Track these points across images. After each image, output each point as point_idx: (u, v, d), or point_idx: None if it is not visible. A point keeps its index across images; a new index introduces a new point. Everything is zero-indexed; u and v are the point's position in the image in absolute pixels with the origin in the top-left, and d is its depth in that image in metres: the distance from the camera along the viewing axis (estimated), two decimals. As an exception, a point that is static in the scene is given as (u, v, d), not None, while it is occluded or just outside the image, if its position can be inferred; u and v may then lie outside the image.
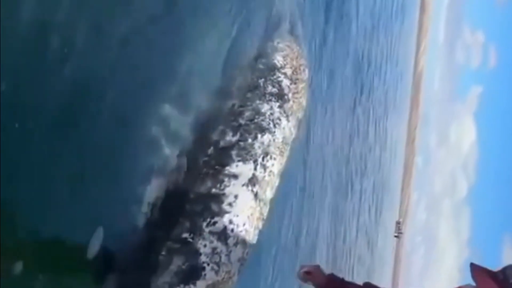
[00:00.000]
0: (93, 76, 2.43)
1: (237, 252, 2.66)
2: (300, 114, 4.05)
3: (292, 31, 5.42)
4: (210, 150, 3.17)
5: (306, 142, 6.52)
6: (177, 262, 2.46)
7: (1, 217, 1.86)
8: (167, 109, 3.13)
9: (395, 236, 29.39)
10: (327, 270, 2.33)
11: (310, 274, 2.28)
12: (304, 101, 4.20)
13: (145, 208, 2.66)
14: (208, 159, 3.09)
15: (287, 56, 4.39)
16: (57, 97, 2.19)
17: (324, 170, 8.20)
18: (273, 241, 5.09)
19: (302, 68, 4.48)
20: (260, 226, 2.97)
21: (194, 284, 2.42)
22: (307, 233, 6.88)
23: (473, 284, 1.70)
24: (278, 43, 4.52)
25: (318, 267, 2.32)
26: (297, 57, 4.52)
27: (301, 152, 6.39)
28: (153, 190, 2.74)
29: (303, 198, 6.72)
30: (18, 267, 1.89)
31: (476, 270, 1.66)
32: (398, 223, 29.21)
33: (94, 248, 2.34)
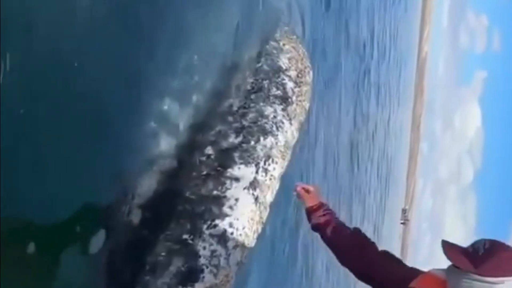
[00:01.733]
0: (87, 68, 2.32)
1: (236, 256, 2.69)
2: (302, 117, 4.04)
3: (294, 27, 5.35)
4: (208, 150, 3.17)
5: (309, 127, 6.51)
6: (177, 263, 2.50)
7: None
8: (166, 104, 3.05)
9: (401, 223, 29.32)
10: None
11: (309, 192, 2.27)
12: (307, 105, 4.17)
13: (145, 208, 2.69)
14: (207, 159, 3.11)
15: (292, 58, 4.34)
16: (48, 92, 2.11)
17: (327, 155, 8.18)
18: (276, 224, 5.17)
19: (307, 70, 4.44)
20: (260, 230, 3.00)
21: (192, 286, 2.46)
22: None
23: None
24: (284, 44, 4.48)
25: (318, 189, 2.31)
26: (302, 59, 4.48)
27: (305, 136, 6.41)
28: (152, 188, 2.75)
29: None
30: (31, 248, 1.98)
31: (446, 246, 1.66)
32: (404, 210, 29.10)
33: (95, 246, 2.36)
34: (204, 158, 3.15)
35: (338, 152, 9.02)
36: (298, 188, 2.33)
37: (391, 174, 20.40)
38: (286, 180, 3.46)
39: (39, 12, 2.05)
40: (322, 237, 2.19)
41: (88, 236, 2.36)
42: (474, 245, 1.64)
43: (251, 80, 3.96)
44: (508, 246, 1.64)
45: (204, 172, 3.03)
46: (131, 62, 2.73)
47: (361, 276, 2.02)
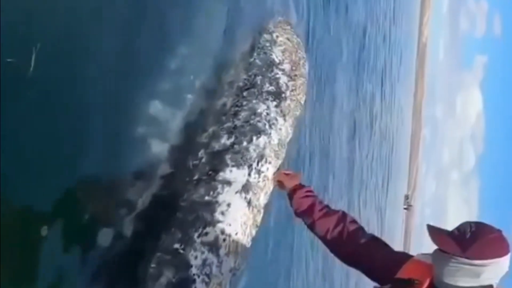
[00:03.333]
0: (74, 74, 2.25)
1: (229, 263, 2.58)
2: (297, 112, 3.89)
3: (290, 15, 5.17)
4: (201, 153, 3.05)
5: (311, 110, 6.40)
6: (168, 275, 2.39)
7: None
8: (156, 107, 2.95)
9: (405, 209, 29.28)
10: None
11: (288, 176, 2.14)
12: (302, 98, 4.02)
13: (135, 217, 2.59)
14: (199, 163, 2.99)
15: (286, 50, 4.18)
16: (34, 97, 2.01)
17: (327, 142, 8.07)
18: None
19: (301, 62, 4.27)
20: (254, 233, 2.89)
21: (184, 297, 2.37)
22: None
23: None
24: (277, 36, 4.31)
25: (299, 173, 2.22)
26: (296, 51, 4.31)
27: (308, 120, 6.31)
28: (143, 196, 2.65)
29: (313, 163, 6.63)
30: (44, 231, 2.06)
31: (432, 230, 1.61)
32: (406, 196, 29.02)
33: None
34: (197, 162, 3.03)
35: (339, 140, 8.92)
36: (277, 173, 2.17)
37: (393, 160, 20.30)
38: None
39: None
40: (305, 223, 2.07)
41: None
42: (459, 228, 1.58)
43: (244, 76, 3.82)
44: (494, 228, 1.59)
45: (196, 177, 2.92)
46: (117, 64, 2.60)
47: (347, 261, 1.94)
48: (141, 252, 2.54)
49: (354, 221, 1.99)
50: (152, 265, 2.44)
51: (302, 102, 3.94)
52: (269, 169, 3.07)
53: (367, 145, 12.46)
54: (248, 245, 2.77)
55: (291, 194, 2.11)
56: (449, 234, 1.58)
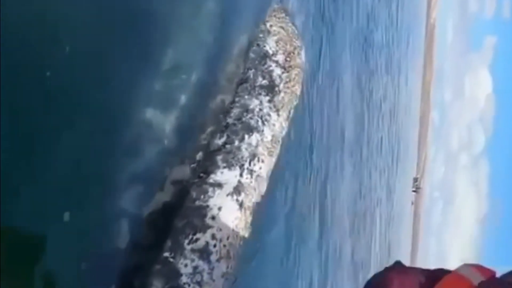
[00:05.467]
0: (59, 74, 2.14)
1: (220, 268, 2.47)
2: (293, 104, 3.73)
3: (288, 3, 4.96)
4: (199, 156, 2.93)
5: (315, 100, 6.26)
6: (157, 286, 2.29)
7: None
8: (150, 112, 2.86)
9: (413, 191, 29.03)
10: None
11: None
12: (298, 89, 3.85)
13: (124, 226, 2.48)
14: (196, 166, 2.86)
15: (280, 40, 3.99)
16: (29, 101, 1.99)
17: (334, 126, 7.91)
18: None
19: (296, 52, 4.09)
20: (247, 235, 2.77)
21: (175, 307, 2.27)
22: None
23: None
24: (271, 26, 4.12)
25: None
26: (291, 40, 4.12)
27: (315, 104, 6.18)
28: (136, 197, 2.54)
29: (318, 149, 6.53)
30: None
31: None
32: (415, 179, 28.74)
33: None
34: (195, 165, 2.90)
35: (345, 123, 8.76)
36: None
37: (401, 142, 20.03)
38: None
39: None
40: None
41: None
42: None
43: (240, 71, 3.67)
44: None
45: (190, 181, 2.79)
46: (108, 66, 2.48)
47: None
48: (131, 263, 2.44)
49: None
50: (141, 276, 2.34)
51: (298, 93, 3.77)
52: (262, 168, 2.93)
53: (375, 126, 12.26)
54: (242, 247, 2.66)
55: None
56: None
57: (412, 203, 29.09)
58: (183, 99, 3.16)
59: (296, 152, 5.47)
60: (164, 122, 2.91)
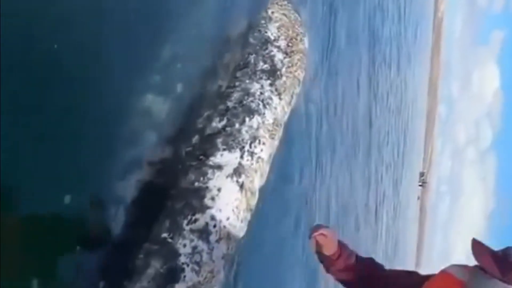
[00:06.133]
0: (61, 64, 2.17)
1: (220, 249, 2.43)
2: (295, 89, 3.67)
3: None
4: (195, 139, 2.90)
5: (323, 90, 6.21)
6: (155, 265, 2.26)
7: None
8: (148, 95, 2.84)
9: (420, 185, 28.78)
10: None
11: (325, 237, 1.92)
12: (301, 74, 3.79)
13: (122, 208, 2.46)
14: (192, 149, 2.83)
15: (282, 26, 3.92)
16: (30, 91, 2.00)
17: (343, 117, 7.84)
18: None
19: (299, 37, 4.02)
20: (249, 217, 2.73)
21: (173, 287, 2.24)
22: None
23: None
24: (272, 12, 4.06)
25: (334, 232, 1.96)
26: (293, 26, 4.05)
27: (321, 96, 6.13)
28: (131, 187, 2.52)
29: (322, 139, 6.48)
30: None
31: (476, 246, 1.55)
32: (422, 173, 28.48)
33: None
34: (190, 149, 2.87)
35: (353, 116, 8.68)
36: (316, 235, 1.93)
37: (408, 137, 19.84)
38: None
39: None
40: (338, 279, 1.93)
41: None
42: (505, 251, 1.51)
43: (239, 56, 3.62)
44: None
45: (187, 163, 2.76)
46: (108, 55, 2.48)
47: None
48: (129, 244, 2.42)
49: (378, 265, 1.93)
50: (139, 256, 2.31)
51: (300, 78, 3.71)
52: (263, 150, 2.88)
53: (382, 119, 12.14)
54: (244, 229, 2.62)
55: (330, 262, 1.89)
56: (493, 254, 1.51)
57: (419, 198, 28.88)
58: (180, 86, 3.13)
59: (300, 142, 5.43)
60: (161, 108, 2.90)
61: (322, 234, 1.91)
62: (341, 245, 1.93)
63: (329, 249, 1.91)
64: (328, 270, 1.96)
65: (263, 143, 2.90)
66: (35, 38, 2.03)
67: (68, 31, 2.21)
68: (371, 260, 1.99)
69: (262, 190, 2.90)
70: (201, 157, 2.75)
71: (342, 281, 1.94)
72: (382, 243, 12.79)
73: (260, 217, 2.92)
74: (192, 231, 2.39)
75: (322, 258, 1.95)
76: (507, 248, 1.52)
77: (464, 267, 1.59)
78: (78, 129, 2.29)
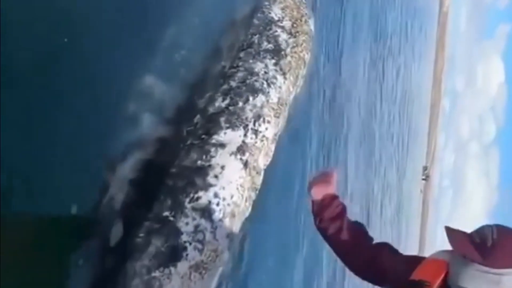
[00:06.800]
0: (64, 47, 2.17)
1: (224, 228, 2.35)
2: (302, 71, 3.57)
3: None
4: (197, 119, 2.81)
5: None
6: (156, 244, 2.18)
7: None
8: (150, 78, 2.80)
9: (423, 179, 28.63)
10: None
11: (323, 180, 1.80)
12: (306, 55, 3.69)
13: (123, 187, 2.39)
14: (194, 129, 2.74)
15: (286, 7, 3.81)
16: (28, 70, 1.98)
17: (348, 108, 7.76)
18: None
19: (304, 19, 3.91)
20: (254, 196, 2.65)
21: (175, 266, 2.15)
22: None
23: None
24: (277, -6, 3.97)
25: (335, 176, 1.84)
26: (298, 7, 3.94)
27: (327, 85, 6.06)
28: (132, 166, 2.45)
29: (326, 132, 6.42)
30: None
31: (451, 233, 1.49)
32: (425, 167, 28.29)
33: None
34: (192, 128, 2.80)
35: (358, 109, 8.59)
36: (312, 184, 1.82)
37: (412, 131, 19.71)
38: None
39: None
40: (322, 232, 1.82)
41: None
42: (480, 233, 1.46)
43: (243, 38, 3.54)
44: None
45: (188, 142, 2.68)
46: (111, 38, 2.48)
47: (359, 272, 1.79)
48: (130, 223, 2.36)
49: (369, 237, 1.83)
50: (140, 235, 2.24)
51: (306, 59, 3.61)
52: (268, 129, 2.79)
53: (386, 117, 12.05)
54: (249, 208, 2.55)
55: (326, 203, 1.77)
56: (470, 239, 1.47)
57: (421, 191, 28.72)
58: (182, 67, 3.08)
59: (304, 130, 5.35)
60: (163, 89, 2.86)
61: (321, 177, 1.80)
62: (334, 196, 1.83)
63: (323, 191, 1.80)
64: (316, 217, 1.82)
65: (268, 122, 2.81)
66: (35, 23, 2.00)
67: (70, 18, 2.19)
68: (360, 228, 1.87)
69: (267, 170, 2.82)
70: (204, 136, 2.67)
71: (331, 238, 1.82)
72: (387, 231, 12.73)
73: (265, 195, 2.83)
74: (194, 209, 2.31)
75: (314, 203, 1.83)
76: (481, 230, 1.47)
77: (447, 251, 1.55)
78: (79, 110, 2.27)
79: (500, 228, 1.45)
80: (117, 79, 2.56)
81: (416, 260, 1.64)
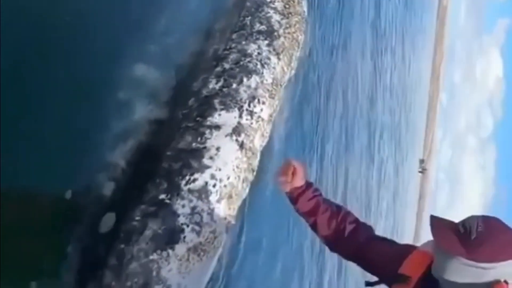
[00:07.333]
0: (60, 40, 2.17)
1: (222, 209, 2.30)
2: (296, 52, 3.52)
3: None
4: (191, 102, 2.76)
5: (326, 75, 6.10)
6: (153, 227, 2.12)
7: None
8: (142, 64, 2.76)
9: (419, 172, 28.60)
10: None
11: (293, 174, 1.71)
12: (300, 36, 3.65)
13: (117, 171, 2.34)
14: (188, 112, 2.69)
15: (278, -11, 3.80)
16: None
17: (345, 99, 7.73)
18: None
19: (296, 0, 3.89)
20: (251, 177, 2.60)
21: (173, 248, 2.09)
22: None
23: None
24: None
25: (303, 167, 1.75)
26: (290, -11, 3.92)
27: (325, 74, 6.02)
28: (126, 151, 2.40)
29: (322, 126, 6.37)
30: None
31: (435, 224, 1.43)
32: (421, 160, 28.27)
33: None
34: (187, 111, 2.75)
35: (356, 100, 8.55)
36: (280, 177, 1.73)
37: (409, 124, 19.73)
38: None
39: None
40: (307, 221, 1.76)
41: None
42: (465, 225, 1.40)
43: (235, 21, 3.50)
44: (502, 227, 1.41)
45: (183, 125, 2.63)
46: (105, 26, 2.47)
47: (348, 258, 1.75)
48: (125, 207, 2.30)
49: (355, 220, 1.76)
50: (136, 218, 2.18)
51: (300, 40, 3.57)
52: (263, 110, 2.75)
53: (384, 109, 12.03)
54: (246, 189, 2.49)
55: (296, 195, 1.71)
56: (454, 230, 1.40)
57: (422, 171, 28.64)
58: (177, 49, 3.04)
59: (304, 118, 5.31)
60: (156, 75, 2.82)
61: (287, 168, 1.71)
62: (309, 183, 1.76)
63: (294, 183, 1.72)
64: (293, 202, 1.76)
65: (263, 103, 2.76)
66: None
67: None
68: (345, 212, 1.79)
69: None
70: (198, 118, 2.62)
71: (312, 229, 1.77)
72: (382, 222, 12.72)
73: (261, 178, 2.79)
74: (190, 191, 2.26)
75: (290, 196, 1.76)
76: (467, 221, 1.41)
77: (431, 241, 1.50)
78: (73, 94, 2.26)
79: (486, 221, 1.40)
80: (111, 65, 2.54)
81: (403, 251, 1.60)
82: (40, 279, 1.97)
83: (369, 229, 1.74)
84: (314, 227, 1.75)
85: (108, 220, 2.21)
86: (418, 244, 1.65)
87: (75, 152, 2.28)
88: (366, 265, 1.68)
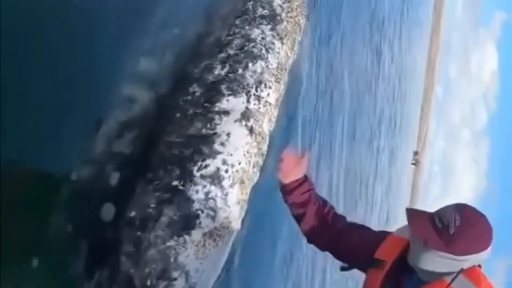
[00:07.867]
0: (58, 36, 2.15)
1: (235, 194, 2.30)
2: (298, 36, 3.53)
3: None
4: (193, 88, 2.75)
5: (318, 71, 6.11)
6: (168, 213, 2.13)
7: None
8: (143, 55, 2.75)
9: (413, 164, 28.82)
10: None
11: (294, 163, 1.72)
12: (301, 20, 3.65)
13: (121, 164, 2.33)
14: (192, 98, 2.69)
15: (278, -27, 3.79)
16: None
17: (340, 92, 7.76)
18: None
19: (296, -16, 3.89)
20: (261, 162, 2.60)
21: (189, 234, 2.10)
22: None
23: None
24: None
25: (307, 158, 1.76)
26: (289, -27, 3.92)
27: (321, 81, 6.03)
28: (128, 141, 2.39)
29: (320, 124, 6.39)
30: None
31: (412, 217, 1.45)
32: (415, 153, 28.50)
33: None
34: (189, 98, 2.74)
35: (351, 93, 8.60)
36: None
37: (404, 116, 19.89)
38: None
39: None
40: (292, 213, 1.78)
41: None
42: (442, 218, 1.42)
43: (239, 6, 3.49)
44: (478, 218, 1.45)
45: (190, 112, 2.62)
46: (104, 20, 2.44)
47: (326, 249, 1.79)
48: (139, 195, 2.29)
49: (336, 212, 1.81)
50: (151, 205, 2.18)
51: (301, 24, 3.57)
52: (270, 95, 2.75)
53: (379, 101, 12.10)
54: (257, 174, 2.50)
55: (292, 188, 1.71)
56: (432, 224, 1.43)
57: (415, 163, 28.88)
58: (176, 36, 3.03)
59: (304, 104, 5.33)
60: (155, 63, 2.81)
61: (289, 159, 1.72)
62: (305, 177, 1.76)
63: (294, 175, 1.73)
64: (285, 193, 1.77)
65: (269, 87, 2.76)
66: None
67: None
68: (327, 206, 1.82)
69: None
70: (206, 104, 2.61)
71: (295, 218, 1.79)
72: (376, 212, 12.82)
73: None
74: (203, 177, 2.26)
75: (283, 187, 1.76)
76: (444, 214, 1.44)
77: (406, 227, 1.54)
78: (72, 87, 2.24)
79: (461, 213, 1.43)
80: (112, 55, 2.51)
81: (380, 237, 1.64)
82: (42, 255, 1.96)
83: (345, 219, 1.80)
84: (300, 217, 1.77)
85: (108, 212, 2.20)
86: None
87: (82, 138, 2.27)
88: (344, 253, 1.73)
